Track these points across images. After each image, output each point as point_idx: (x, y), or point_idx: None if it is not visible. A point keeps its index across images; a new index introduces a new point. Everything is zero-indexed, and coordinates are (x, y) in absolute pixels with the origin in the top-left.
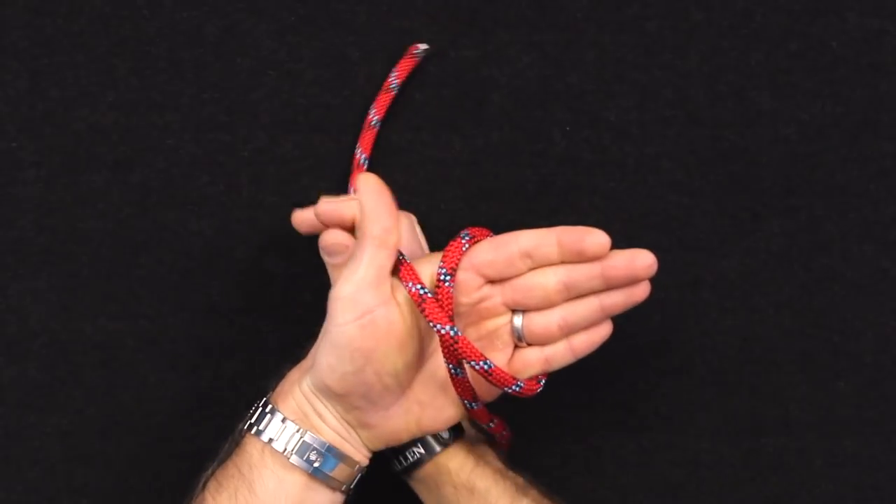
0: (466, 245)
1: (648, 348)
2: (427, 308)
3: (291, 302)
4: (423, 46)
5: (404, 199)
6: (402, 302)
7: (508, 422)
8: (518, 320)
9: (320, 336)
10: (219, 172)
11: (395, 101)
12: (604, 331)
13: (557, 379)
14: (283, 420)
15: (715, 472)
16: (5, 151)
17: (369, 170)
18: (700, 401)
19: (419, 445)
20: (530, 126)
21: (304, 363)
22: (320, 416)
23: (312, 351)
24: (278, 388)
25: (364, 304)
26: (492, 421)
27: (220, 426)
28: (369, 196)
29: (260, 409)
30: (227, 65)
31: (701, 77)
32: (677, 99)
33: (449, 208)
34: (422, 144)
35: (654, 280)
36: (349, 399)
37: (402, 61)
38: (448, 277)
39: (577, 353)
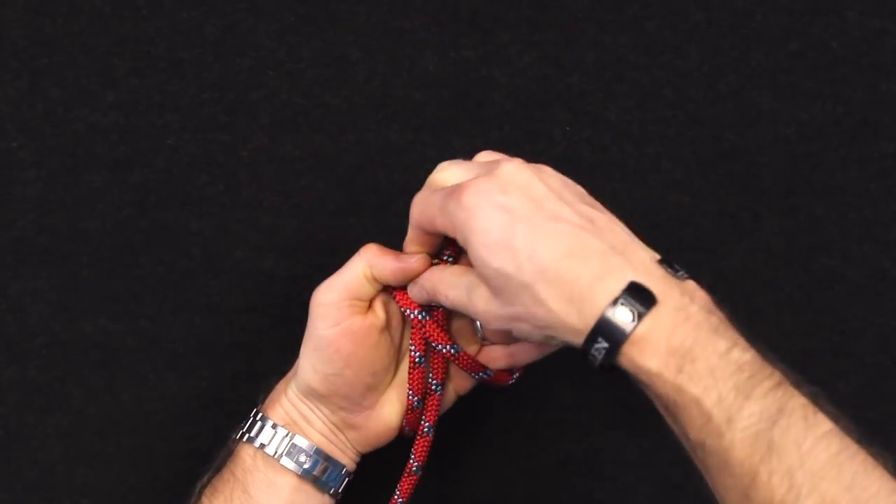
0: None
1: None
2: (398, 296)
3: (291, 302)
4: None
5: (404, 200)
6: (378, 306)
7: (508, 421)
8: (477, 322)
9: (304, 340)
10: (218, 172)
11: (395, 104)
12: None
13: (558, 379)
14: (274, 426)
15: None
16: (5, 151)
17: None
18: None
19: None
20: (530, 126)
21: (290, 374)
22: (307, 420)
23: (297, 361)
24: (267, 399)
25: (343, 313)
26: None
27: (220, 426)
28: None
29: (251, 418)
30: (226, 65)
31: (701, 77)
32: (677, 99)
33: None
34: (422, 144)
35: None
36: (333, 399)
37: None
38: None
39: (541, 350)
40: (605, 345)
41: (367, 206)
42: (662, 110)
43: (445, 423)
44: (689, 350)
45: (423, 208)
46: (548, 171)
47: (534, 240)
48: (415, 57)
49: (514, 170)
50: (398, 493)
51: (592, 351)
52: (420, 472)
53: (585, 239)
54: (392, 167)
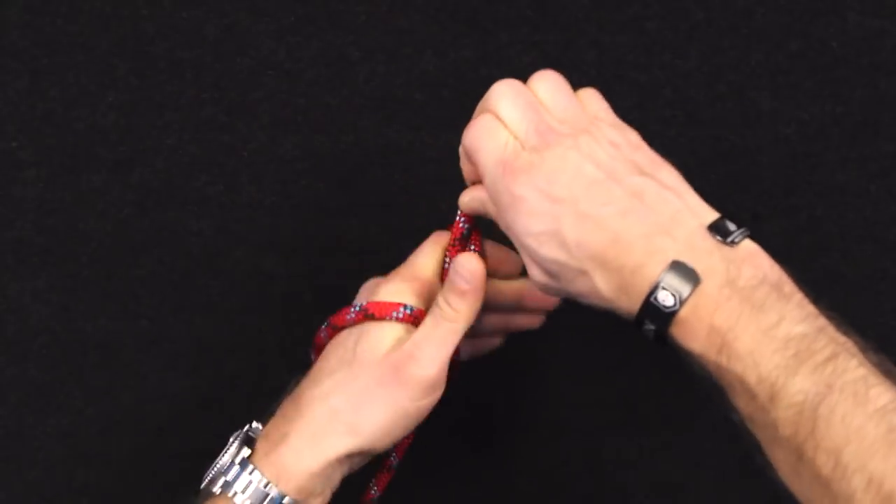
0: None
1: (648, 348)
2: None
3: (291, 302)
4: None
5: (404, 200)
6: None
7: (508, 421)
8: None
9: (379, 406)
10: (219, 172)
11: (395, 104)
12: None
13: (558, 378)
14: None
15: (715, 472)
16: (5, 151)
17: None
18: (700, 401)
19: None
20: None
21: (283, 427)
22: (333, 486)
23: (341, 419)
24: (265, 456)
25: (441, 385)
26: None
27: (220, 426)
28: (476, 284)
29: (238, 469)
30: (227, 65)
31: (701, 77)
32: (677, 99)
33: (449, 208)
34: (422, 144)
35: None
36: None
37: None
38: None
39: (501, 339)
40: (653, 327)
41: (367, 206)
42: (662, 110)
43: (444, 423)
44: (731, 329)
45: (471, 153)
46: (601, 135)
47: (579, 229)
48: (415, 57)
49: (564, 151)
50: (375, 488)
51: (643, 330)
52: (397, 468)
53: (631, 222)
54: (392, 167)
